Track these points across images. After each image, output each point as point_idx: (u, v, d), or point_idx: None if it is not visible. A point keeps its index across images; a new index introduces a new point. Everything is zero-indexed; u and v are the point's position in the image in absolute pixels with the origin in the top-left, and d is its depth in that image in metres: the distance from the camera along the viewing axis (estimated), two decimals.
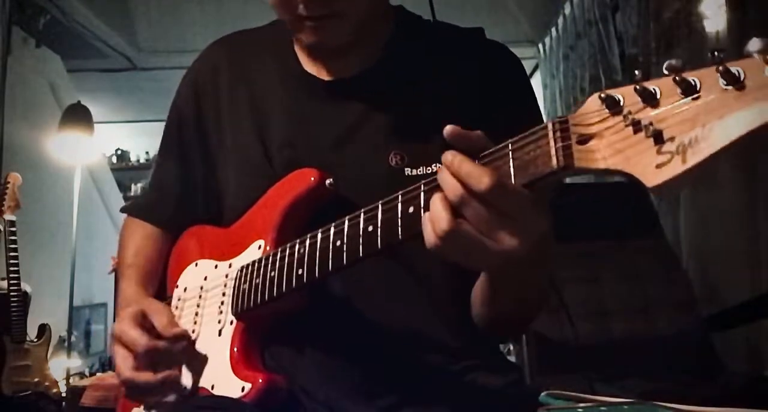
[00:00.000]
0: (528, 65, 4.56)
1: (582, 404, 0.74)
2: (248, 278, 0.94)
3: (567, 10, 4.17)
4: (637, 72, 0.57)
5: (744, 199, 2.37)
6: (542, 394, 0.78)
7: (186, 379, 0.97)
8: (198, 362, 0.97)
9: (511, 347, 2.37)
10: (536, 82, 4.70)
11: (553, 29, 4.47)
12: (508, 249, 0.65)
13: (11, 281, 3.11)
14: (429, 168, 0.92)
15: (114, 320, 1.01)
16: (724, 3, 2.45)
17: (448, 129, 0.69)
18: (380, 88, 0.98)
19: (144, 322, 0.96)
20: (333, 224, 0.82)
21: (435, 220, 0.67)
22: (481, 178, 0.64)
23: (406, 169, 0.93)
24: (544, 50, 4.73)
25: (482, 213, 0.65)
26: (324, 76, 1.01)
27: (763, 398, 1.72)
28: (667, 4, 2.86)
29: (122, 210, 1.22)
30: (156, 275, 1.13)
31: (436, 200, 0.68)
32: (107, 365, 4.49)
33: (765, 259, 2.29)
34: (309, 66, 1.03)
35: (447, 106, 0.95)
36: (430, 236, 0.68)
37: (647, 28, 3.05)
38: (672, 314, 2.15)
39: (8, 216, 3.13)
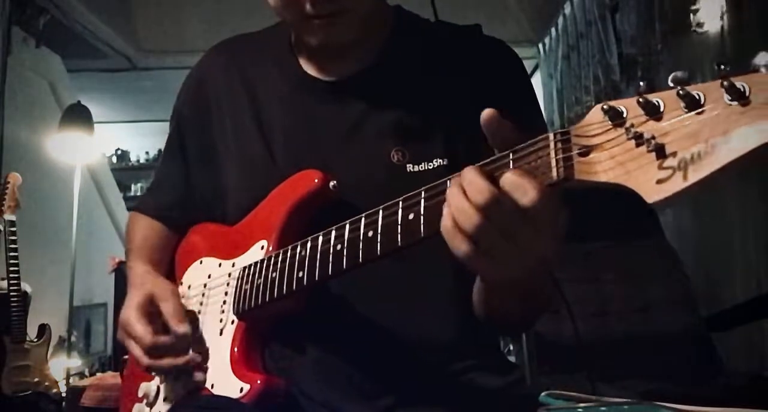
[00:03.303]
0: (528, 65, 4.55)
1: (582, 404, 0.74)
2: (250, 279, 0.94)
3: (567, 10, 4.17)
4: (642, 83, 0.55)
5: (744, 197, 2.37)
6: (542, 394, 0.79)
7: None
8: (200, 360, 0.97)
9: (511, 347, 2.37)
10: (536, 82, 4.69)
11: (553, 29, 4.47)
12: (536, 250, 0.63)
13: (11, 281, 3.11)
14: (430, 164, 0.92)
15: (117, 322, 1.02)
16: (724, 3, 2.45)
17: (487, 112, 0.65)
18: (380, 87, 0.98)
19: (151, 308, 0.98)
20: (334, 228, 0.83)
21: (459, 213, 0.63)
22: (527, 190, 0.60)
23: (407, 165, 0.93)
24: (544, 50, 4.72)
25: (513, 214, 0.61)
26: (324, 76, 1.01)
27: (763, 398, 1.72)
28: (666, 3, 2.86)
29: (130, 210, 1.25)
30: (162, 264, 1.13)
31: (456, 193, 0.64)
32: (107, 365, 4.48)
33: (765, 259, 2.29)
34: (308, 67, 1.03)
35: (446, 102, 0.96)
36: (458, 242, 0.63)
37: (645, 28, 3.05)
38: (672, 314, 2.14)
39: (8, 216, 3.13)
